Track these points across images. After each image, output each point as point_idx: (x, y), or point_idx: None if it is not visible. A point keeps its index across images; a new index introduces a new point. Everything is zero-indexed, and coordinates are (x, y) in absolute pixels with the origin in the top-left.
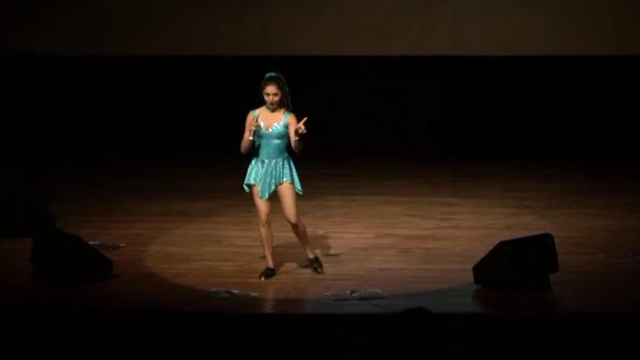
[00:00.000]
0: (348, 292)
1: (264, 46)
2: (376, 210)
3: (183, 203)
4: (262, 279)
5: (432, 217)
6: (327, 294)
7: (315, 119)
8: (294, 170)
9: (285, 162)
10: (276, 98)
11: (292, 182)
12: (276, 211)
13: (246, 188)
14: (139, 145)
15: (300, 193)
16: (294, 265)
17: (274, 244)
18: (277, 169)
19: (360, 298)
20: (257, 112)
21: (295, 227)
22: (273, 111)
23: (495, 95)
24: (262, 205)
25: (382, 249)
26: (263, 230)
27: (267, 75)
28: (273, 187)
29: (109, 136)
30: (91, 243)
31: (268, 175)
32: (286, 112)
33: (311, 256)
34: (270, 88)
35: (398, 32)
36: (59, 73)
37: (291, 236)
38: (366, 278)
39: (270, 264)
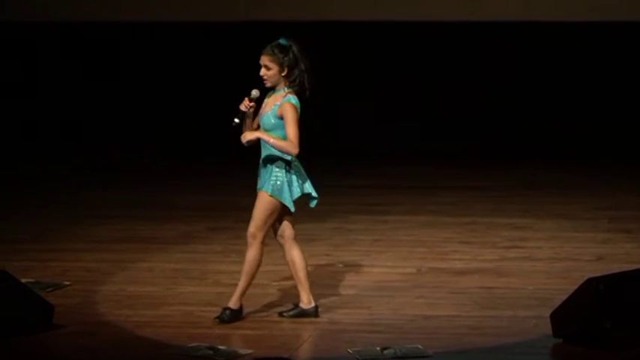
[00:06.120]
0: (378, 348)
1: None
2: (417, 235)
3: (151, 225)
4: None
5: (494, 244)
6: (350, 351)
7: (329, 110)
8: (284, 176)
9: (277, 165)
10: (269, 73)
11: (271, 193)
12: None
13: None
14: (92, 143)
15: (292, 210)
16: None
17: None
18: (265, 172)
19: (395, 357)
20: (256, 92)
21: (248, 248)
22: (275, 91)
23: (575, 75)
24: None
25: (426, 289)
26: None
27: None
28: None
29: (50, 131)
30: (23, 281)
31: (260, 181)
32: (286, 97)
33: (230, 302)
34: (262, 59)
35: None
36: None
37: (285, 269)
38: (404, 329)
39: (304, 302)
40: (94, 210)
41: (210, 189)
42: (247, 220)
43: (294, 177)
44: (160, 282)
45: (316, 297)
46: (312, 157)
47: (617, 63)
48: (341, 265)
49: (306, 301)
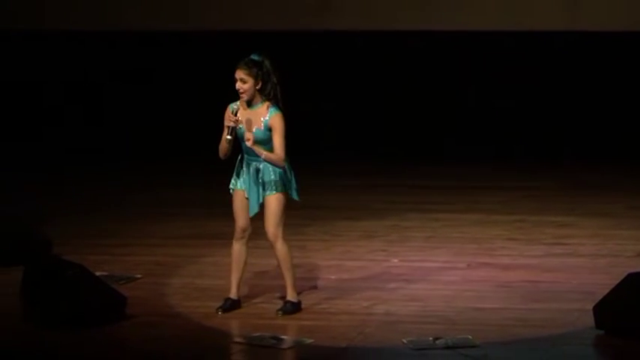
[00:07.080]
0: (430, 338)
1: (320, 17)
2: (467, 232)
3: (217, 222)
4: (219, 313)
5: (539, 241)
6: (404, 341)
7: (384, 113)
8: (287, 176)
9: (275, 168)
10: (245, 87)
11: (282, 192)
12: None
13: (231, 190)
14: (158, 146)
15: (297, 199)
16: (357, 301)
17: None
18: (266, 176)
19: (447, 347)
20: (237, 105)
21: (274, 248)
22: (252, 106)
23: (619, 81)
24: (241, 216)
25: (475, 282)
26: (235, 247)
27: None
28: (262, 200)
29: (118, 137)
30: (98, 274)
31: (255, 184)
32: (271, 109)
33: (287, 296)
34: (237, 73)
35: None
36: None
37: (344, 264)
38: (455, 321)
39: (233, 293)
40: (168, 207)
41: None
42: (310, 217)
43: (287, 172)
44: (226, 275)
45: (372, 290)
46: (375, 159)
47: None
48: (396, 261)
49: (234, 293)
